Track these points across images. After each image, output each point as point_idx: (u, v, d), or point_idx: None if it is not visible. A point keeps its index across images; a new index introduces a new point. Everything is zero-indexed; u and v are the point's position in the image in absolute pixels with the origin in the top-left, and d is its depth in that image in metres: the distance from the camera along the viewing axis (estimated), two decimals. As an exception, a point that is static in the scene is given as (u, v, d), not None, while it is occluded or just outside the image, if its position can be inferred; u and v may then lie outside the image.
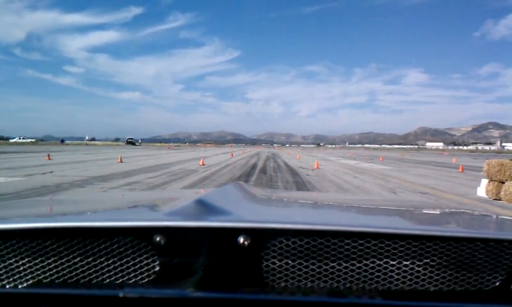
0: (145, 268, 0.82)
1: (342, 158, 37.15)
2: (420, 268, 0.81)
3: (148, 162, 23.05)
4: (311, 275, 0.81)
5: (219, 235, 0.81)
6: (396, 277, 0.81)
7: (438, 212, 1.43)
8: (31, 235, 0.83)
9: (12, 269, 0.84)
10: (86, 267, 0.83)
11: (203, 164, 20.62)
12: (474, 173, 17.56)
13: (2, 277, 0.84)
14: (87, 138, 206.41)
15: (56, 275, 0.83)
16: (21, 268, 0.84)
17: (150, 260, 0.82)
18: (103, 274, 0.83)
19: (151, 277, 0.81)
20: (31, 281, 0.83)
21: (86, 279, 0.83)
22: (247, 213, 1.11)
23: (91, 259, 0.83)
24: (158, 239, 0.80)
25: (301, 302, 0.78)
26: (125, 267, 0.82)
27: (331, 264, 0.81)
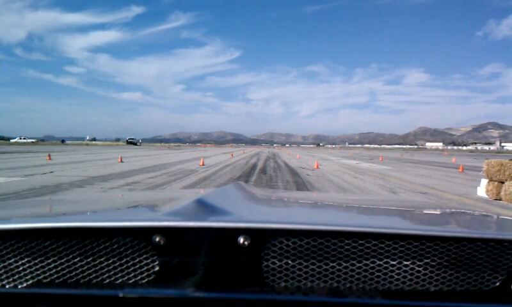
0: (145, 268, 0.82)
1: (342, 158, 37.12)
2: (420, 268, 0.81)
3: (148, 162, 23.03)
4: (311, 275, 0.81)
5: (219, 235, 0.80)
6: (396, 277, 0.81)
7: (438, 212, 1.43)
8: (31, 235, 0.83)
9: (12, 269, 0.84)
10: (85, 267, 0.83)
11: (203, 164, 20.61)
12: (474, 173, 17.56)
13: (2, 277, 0.84)
14: (87, 138, 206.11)
15: (55, 275, 0.83)
16: (21, 268, 0.83)
17: (149, 260, 0.82)
18: (103, 274, 0.83)
19: (151, 277, 0.81)
20: (30, 281, 0.83)
21: (86, 279, 0.83)
22: (247, 213, 1.11)
23: (90, 259, 0.83)
24: (158, 239, 0.80)
25: (301, 302, 0.77)
26: (124, 267, 0.82)
27: (331, 264, 0.81)
